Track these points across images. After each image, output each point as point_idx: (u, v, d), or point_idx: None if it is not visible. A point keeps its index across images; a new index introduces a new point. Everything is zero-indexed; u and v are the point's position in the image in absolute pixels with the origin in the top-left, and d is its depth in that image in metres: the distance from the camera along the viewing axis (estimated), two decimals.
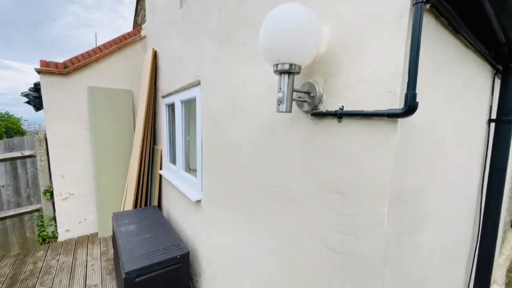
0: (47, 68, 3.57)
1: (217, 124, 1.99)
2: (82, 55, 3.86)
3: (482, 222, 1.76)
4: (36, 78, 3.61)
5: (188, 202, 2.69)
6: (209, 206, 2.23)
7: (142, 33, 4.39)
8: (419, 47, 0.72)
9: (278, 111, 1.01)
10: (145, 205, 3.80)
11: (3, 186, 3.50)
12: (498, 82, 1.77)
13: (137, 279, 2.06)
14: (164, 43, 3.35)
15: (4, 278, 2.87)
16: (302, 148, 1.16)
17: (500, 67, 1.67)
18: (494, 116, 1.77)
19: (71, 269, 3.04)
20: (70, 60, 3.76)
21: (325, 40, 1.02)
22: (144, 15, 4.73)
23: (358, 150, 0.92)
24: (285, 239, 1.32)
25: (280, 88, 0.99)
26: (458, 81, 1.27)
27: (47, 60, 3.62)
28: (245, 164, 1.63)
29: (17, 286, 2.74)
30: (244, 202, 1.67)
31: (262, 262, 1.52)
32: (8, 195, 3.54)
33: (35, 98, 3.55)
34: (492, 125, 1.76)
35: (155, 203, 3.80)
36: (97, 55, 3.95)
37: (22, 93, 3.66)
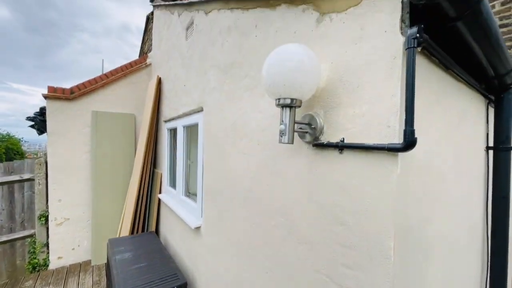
0: (54, 94, 3.68)
1: (219, 150, 2.02)
2: (89, 81, 4.00)
3: (490, 255, 1.71)
4: (42, 100, 3.70)
5: (187, 229, 2.62)
6: (208, 234, 2.18)
7: (148, 61, 4.60)
8: (414, 86, 0.77)
9: (280, 142, 1.04)
10: (143, 230, 3.69)
11: None
12: (492, 111, 1.83)
13: None
14: (169, 71, 3.50)
15: None
16: (304, 177, 1.17)
17: (492, 97, 1.74)
18: (491, 144, 1.80)
19: None
20: (77, 86, 3.89)
21: (324, 76, 1.08)
22: (151, 44, 4.99)
23: (359, 181, 0.93)
24: (288, 271, 1.27)
25: (282, 121, 1.02)
26: (454, 113, 1.31)
27: (55, 86, 3.75)
28: (247, 191, 1.63)
29: None
30: (245, 230, 1.64)
31: None
32: (1, 220, 3.45)
33: (41, 122, 3.61)
34: (491, 152, 1.79)
35: (153, 228, 3.69)
36: (103, 81, 4.10)
37: (27, 118, 3.73)
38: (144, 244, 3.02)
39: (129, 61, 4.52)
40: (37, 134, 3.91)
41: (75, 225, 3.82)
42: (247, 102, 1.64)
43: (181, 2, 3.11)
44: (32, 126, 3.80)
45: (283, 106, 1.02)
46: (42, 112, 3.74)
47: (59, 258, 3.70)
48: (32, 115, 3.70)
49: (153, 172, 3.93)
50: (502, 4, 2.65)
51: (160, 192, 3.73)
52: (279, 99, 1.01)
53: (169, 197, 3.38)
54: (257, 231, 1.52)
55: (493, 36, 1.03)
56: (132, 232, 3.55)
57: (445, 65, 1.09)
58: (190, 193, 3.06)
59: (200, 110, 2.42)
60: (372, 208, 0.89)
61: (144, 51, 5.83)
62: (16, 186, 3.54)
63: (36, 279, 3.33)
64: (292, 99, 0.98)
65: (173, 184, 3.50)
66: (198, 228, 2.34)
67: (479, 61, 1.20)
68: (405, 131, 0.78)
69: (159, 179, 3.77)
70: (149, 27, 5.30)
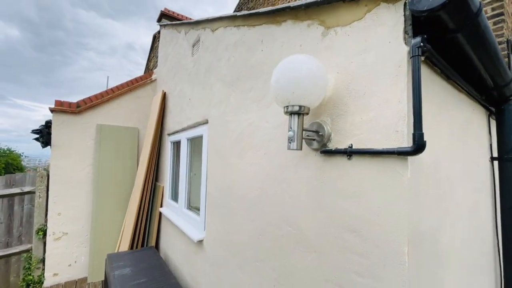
0: (61, 107, 3.75)
1: (224, 161, 2.02)
2: (95, 95, 4.09)
3: (503, 267, 1.66)
4: (44, 115, 3.76)
5: (189, 242, 2.56)
6: (212, 247, 2.12)
7: (153, 76, 4.73)
8: (420, 91, 0.80)
9: (288, 148, 1.05)
10: (142, 245, 3.59)
11: None
12: (493, 123, 1.86)
13: None
14: (174, 86, 3.59)
15: None
16: (312, 185, 1.17)
17: (493, 109, 1.78)
18: (495, 154, 1.81)
19: None
20: (83, 100, 3.97)
21: (331, 86, 1.12)
22: (156, 61, 5.16)
23: (369, 187, 0.94)
24: (296, 282, 1.23)
25: (291, 127, 1.05)
26: (458, 123, 1.34)
27: (62, 100, 3.83)
28: (252, 201, 1.62)
29: None
30: (251, 242, 1.60)
31: None
32: None
33: (47, 134, 3.65)
34: (496, 163, 1.79)
35: (153, 243, 3.60)
36: (109, 96, 4.19)
37: (32, 130, 3.77)
38: (144, 260, 2.93)
39: (135, 77, 4.64)
40: (41, 147, 3.92)
41: (74, 240, 3.72)
42: (254, 114, 1.68)
43: (187, 21, 3.27)
44: (37, 139, 3.82)
45: (292, 113, 1.04)
46: (48, 125, 3.78)
47: (54, 275, 3.56)
48: (40, 127, 3.75)
49: (155, 185, 3.90)
50: (494, 23, 2.78)
51: (161, 206, 3.68)
52: (287, 106, 1.04)
53: (171, 210, 3.33)
54: (263, 242, 1.49)
55: (491, 48, 1.08)
56: (131, 247, 3.45)
57: (447, 75, 1.13)
58: (192, 207, 3.02)
59: (205, 122, 2.46)
60: (383, 213, 0.89)
61: (149, 68, 6.02)
62: (16, 199, 3.50)
63: None
64: (300, 106, 1.01)
65: (174, 197, 3.46)
66: (200, 241, 2.29)
67: (479, 72, 1.25)
68: (414, 135, 0.79)
69: (160, 193, 3.74)
70: (155, 45, 5.52)
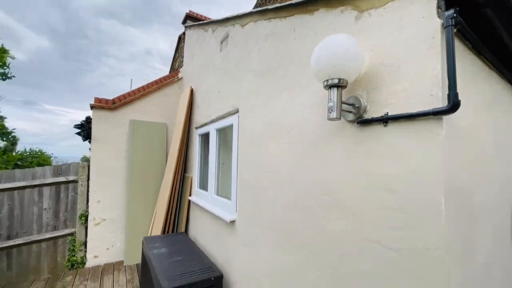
0: (99, 104, 4.10)
1: (256, 145, 2.18)
2: (128, 93, 4.43)
3: None
4: (70, 119, 4.15)
5: (220, 225, 2.74)
6: (244, 227, 2.28)
7: (180, 75, 5.02)
8: (454, 57, 0.90)
9: (328, 118, 1.18)
10: (172, 231, 3.83)
11: (45, 209, 3.74)
12: None
13: None
14: (201, 82, 3.82)
15: None
16: (350, 154, 1.29)
17: None
18: None
19: None
20: (118, 97, 4.32)
21: (366, 63, 1.23)
22: (182, 61, 5.45)
23: (406, 148, 1.04)
24: (334, 247, 1.35)
25: (330, 99, 1.17)
26: (487, 97, 1.40)
27: (100, 97, 4.18)
28: (286, 178, 1.75)
29: None
30: (285, 217, 1.73)
31: (305, 278, 1.51)
32: (48, 218, 3.76)
33: (88, 129, 4.01)
34: None
35: (182, 230, 3.83)
36: (141, 93, 4.51)
37: (75, 125, 4.16)
38: (176, 242, 3.15)
39: (163, 76, 4.95)
40: (82, 140, 4.30)
41: (111, 225, 4.05)
42: (286, 98, 1.82)
43: (215, 19, 3.48)
44: (78, 133, 4.21)
45: (331, 86, 1.17)
46: (88, 120, 4.15)
47: (95, 257, 3.90)
48: (79, 123, 4.12)
49: (184, 176, 4.14)
50: None
51: (190, 195, 3.91)
52: (327, 80, 1.17)
53: (200, 198, 3.53)
54: (298, 214, 1.62)
55: None
56: (163, 233, 3.70)
57: (477, 50, 1.21)
58: (220, 195, 3.20)
59: (235, 112, 2.63)
60: (420, 170, 0.99)
61: (174, 68, 6.36)
62: (62, 187, 3.87)
63: (75, 276, 3.53)
64: (339, 79, 1.14)
65: (203, 186, 3.67)
66: (233, 222, 2.45)
67: (509, 49, 1.30)
68: (449, 95, 0.90)
69: (189, 183, 3.97)
70: (180, 46, 5.83)
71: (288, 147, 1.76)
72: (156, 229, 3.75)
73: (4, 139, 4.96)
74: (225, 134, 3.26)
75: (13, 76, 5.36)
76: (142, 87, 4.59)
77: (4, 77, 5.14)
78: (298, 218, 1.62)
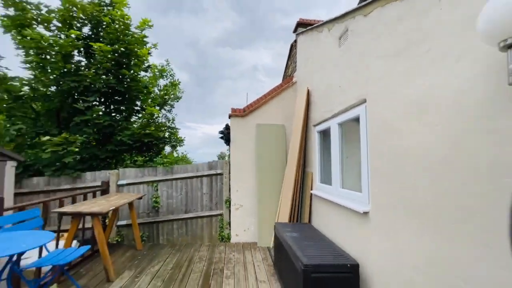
0: (235, 113, 5.14)
1: (392, 132, 2.08)
2: (254, 102, 5.27)
3: None
4: (203, 133, 5.27)
5: (350, 216, 2.76)
6: (380, 217, 2.20)
7: (294, 79, 5.45)
8: None
9: (509, 83, 1.02)
10: (296, 221, 4.17)
11: (205, 193, 5.06)
12: None
13: (313, 275, 2.26)
14: (318, 81, 4.00)
15: (205, 258, 3.98)
16: None
17: None
18: None
19: (244, 264, 3.74)
20: (247, 106, 5.23)
21: None
22: (294, 67, 5.89)
23: None
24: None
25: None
26: None
27: (235, 107, 5.23)
28: (439, 161, 1.58)
29: (213, 265, 3.70)
30: (433, 205, 1.56)
31: (461, 264, 1.31)
32: (206, 200, 5.06)
33: (228, 134, 5.14)
34: None
35: (306, 220, 4.10)
36: (263, 101, 5.26)
37: (219, 131, 5.41)
38: (304, 230, 3.42)
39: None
40: (225, 144, 5.54)
41: (246, 211, 4.92)
42: (432, 74, 1.66)
43: (331, 18, 3.59)
44: (221, 138, 5.45)
45: (511, 46, 1.01)
46: (227, 127, 5.29)
47: (236, 235, 4.86)
48: (222, 129, 5.33)
49: (304, 171, 4.43)
50: None
51: (311, 189, 4.13)
52: (506, 40, 1.02)
53: (323, 192, 3.67)
54: (451, 201, 1.43)
55: None
56: (289, 221, 4.10)
57: None
58: (345, 188, 3.21)
59: (362, 102, 2.61)
60: None
61: (287, 75, 6.96)
62: (213, 178, 5.11)
63: (225, 247, 4.54)
64: None
65: (325, 180, 3.79)
66: (366, 213, 2.42)
67: None
68: None
69: (309, 178, 4.21)
70: (292, 54, 6.33)
71: (439, 127, 1.59)
72: (282, 218, 4.22)
73: (176, 144, 7.14)
74: (347, 127, 3.27)
75: (181, 97, 7.67)
76: (264, 95, 5.34)
77: (177, 100, 7.46)
78: (453, 206, 1.43)
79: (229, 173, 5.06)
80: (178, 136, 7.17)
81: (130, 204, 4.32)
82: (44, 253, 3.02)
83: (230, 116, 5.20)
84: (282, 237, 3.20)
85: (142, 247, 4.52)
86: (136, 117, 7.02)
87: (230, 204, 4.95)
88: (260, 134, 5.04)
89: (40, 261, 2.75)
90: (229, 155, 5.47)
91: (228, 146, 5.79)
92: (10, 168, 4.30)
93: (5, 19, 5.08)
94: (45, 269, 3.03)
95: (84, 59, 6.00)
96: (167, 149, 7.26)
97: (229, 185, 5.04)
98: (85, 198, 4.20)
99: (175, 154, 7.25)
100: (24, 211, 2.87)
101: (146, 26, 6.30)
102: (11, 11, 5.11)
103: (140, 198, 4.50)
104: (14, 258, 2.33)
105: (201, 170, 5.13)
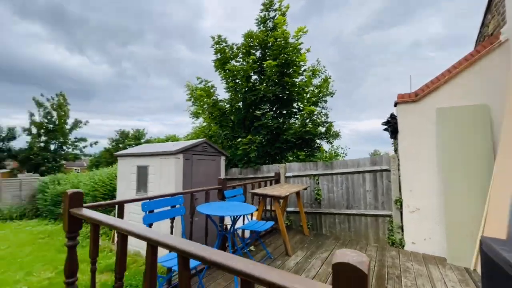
0: (402, 99, 4.38)
1: None
2: (432, 81, 4.22)
3: None
4: (349, 129, 4.59)
5: None
6: None
7: (501, 37, 3.76)
8: None
9: None
10: None
11: (368, 190, 4.72)
12: None
13: None
14: None
15: (375, 259, 3.70)
16: None
17: None
18: None
19: (430, 279, 3.07)
20: (421, 88, 4.29)
21: None
22: (501, 20, 4.07)
23: None
24: None
25: None
26: None
27: (403, 93, 4.46)
28: None
29: (386, 269, 3.35)
30: None
31: None
32: (369, 198, 4.70)
33: (394, 124, 4.49)
34: None
35: None
36: (446, 78, 4.07)
37: (382, 123, 4.84)
38: None
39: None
40: (389, 137, 4.89)
41: (425, 216, 4.02)
42: None
43: None
44: (385, 129, 4.84)
45: None
46: (392, 117, 4.61)
47: (412, 243, 4.10)
48: (387, 119, 4.73)
49: None
50: None
51: None
52: None
53: None
54: None
55: None
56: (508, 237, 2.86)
57: None
58: None
59: None
60: None
61: (483, 35, 4.96)
62: (377, 174, 4.65)
63: (398, 253, 3.97)
64: None
65: None
66: None
67: None
68: None
69: None
70: (494, 3, 4.41)
71: None
72: (493, 230, 3.01)
73: (331, 140, 7.24)
74: None
75: (334, 92, 7.74)
76: (448, 70, 4.12)
77: (331, 95, 7.65)
78: None
79: (398, 169, 4.38)
80: (333, 130, 7.23)
81: (297, 194, 4.91)
82: (245, 221, 4.15)
83: (396, 104, 4.50)
84: (508, 263, 2.28)
85: (309, 233, 4.98)
86: (294, 118, 7.89)
87: (401, 205, 4.27)
88: (445, 121, 3.95)
89: (245, 226, 3.81)
90: (395, 149, 4.74)
91: (392, 140, 5.06)
92: (222, 161, 6.33)
93: (216, 62, 7.58)
94: (245, 234, 4.15)
95: (257, 77, 7.63)
96: (325, 145, 7.54)
97: (399, 183, 4.35)
98: (265, 185, 5.31)
99: (335, 148, 7.38)
100: (236, 189, 4.09)
101: (301, 33, 6.93)
102: (217, 55, 7.56)
103: (305, 189, 5.00)
104: (237, 219, 3.38)
105: (362, 165, 4.85)
